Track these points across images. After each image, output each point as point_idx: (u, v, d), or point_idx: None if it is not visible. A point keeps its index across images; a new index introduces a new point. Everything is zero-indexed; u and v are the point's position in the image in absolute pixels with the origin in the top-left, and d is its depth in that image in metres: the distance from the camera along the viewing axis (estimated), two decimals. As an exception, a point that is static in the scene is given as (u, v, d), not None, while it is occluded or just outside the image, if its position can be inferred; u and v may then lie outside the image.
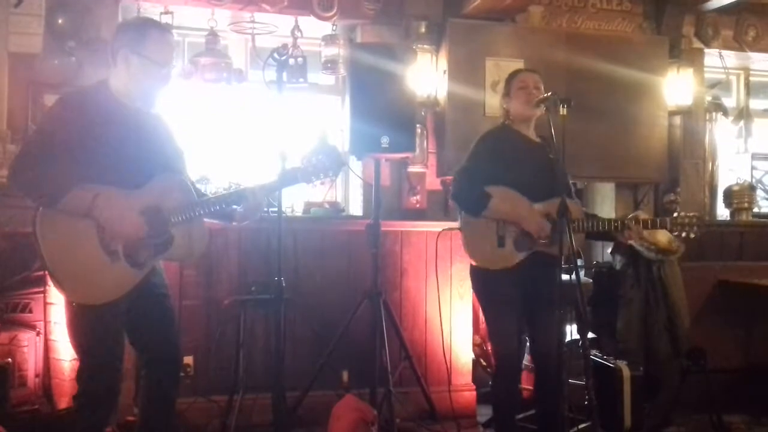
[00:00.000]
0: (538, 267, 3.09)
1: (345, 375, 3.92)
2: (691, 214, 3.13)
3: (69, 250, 2.41)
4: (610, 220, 3.18)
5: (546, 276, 2.97)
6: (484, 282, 3.28)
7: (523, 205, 3.12)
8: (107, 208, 2.41)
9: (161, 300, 2.71)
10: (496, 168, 3.14)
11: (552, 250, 3.04)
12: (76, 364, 3.37)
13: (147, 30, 2.57)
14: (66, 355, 3.43)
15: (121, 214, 2.44)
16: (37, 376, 3.41)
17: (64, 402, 3.40)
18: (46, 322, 3.45)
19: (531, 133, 3.25)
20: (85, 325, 2.50)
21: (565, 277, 2.82)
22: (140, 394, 2.77)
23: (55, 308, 3.45)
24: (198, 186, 2.90)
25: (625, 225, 3.12)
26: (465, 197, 3.20)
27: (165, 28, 2.68)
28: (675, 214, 3.17)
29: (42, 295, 3.45)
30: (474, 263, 3.25)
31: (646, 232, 4.13)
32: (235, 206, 2.69)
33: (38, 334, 3.42)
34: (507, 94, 3.29)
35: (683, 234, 3.12)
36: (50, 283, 3.41)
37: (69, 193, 2.36)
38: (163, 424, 2.74)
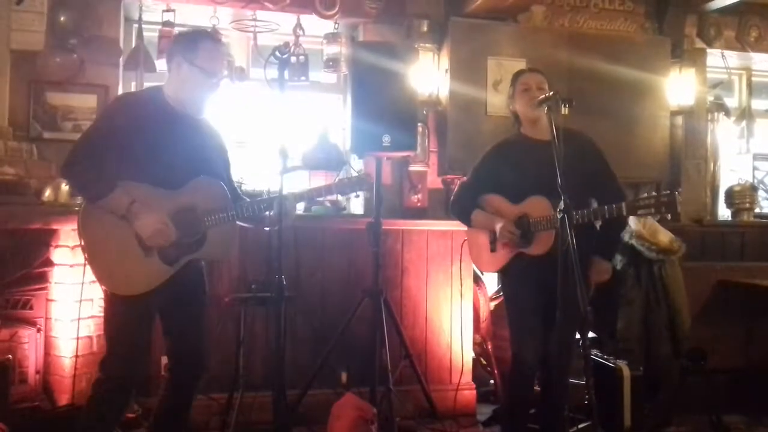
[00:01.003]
0: (537, 270, 3.06)
1: (344, 376, 3.92)
2: (655, 193, 2.86)
3: (107, 243, 2.58)
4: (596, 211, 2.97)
5: (542, 280, 2.95)
6: (502, 285, 3.45)
7: (497, 210, 3.21)
8: (140, 216, 2.55)
9: (196, 297, 2.83)
10: (497, 178, 3.22)
11: (533, 251, 3.08)
12: (78, 360, 3.42)
13: (200, 41, 2.70)
14: (66, 352, 3.43)
15: (152, 224, 2.57)
16: (37, 372, 3.41)
17: (64, 399, 3.41)
18: (46, 319, 3.45)
19: (541, 133, 3.21)
20: (115, 314, 2.63)
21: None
22: (161, 390, 2.86)
23: (55, 305, 3.46)
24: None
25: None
26: (457, 213, 3.39)
27: (218, 40, 2.80)
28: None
29: (43, 291, 3.45)
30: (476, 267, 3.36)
31: (646, 232, 4.13)
32: (267, 212, 2.82)
33: (39, 330, 3.43)
34: (512, 96, 3.30)
35: (648, 216, 2.98)
36: (50, 279, 3.45)
37: (110, 195, 2.52)
38: (179, 421, 2.85)
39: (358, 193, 3.02)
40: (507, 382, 3.42)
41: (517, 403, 3.28)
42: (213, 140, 2.84)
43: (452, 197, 3.47)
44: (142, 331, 2.67)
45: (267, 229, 2.91)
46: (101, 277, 2.59)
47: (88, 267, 2.60)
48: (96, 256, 2.57)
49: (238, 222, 2.79)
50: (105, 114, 2.64)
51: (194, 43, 2.68)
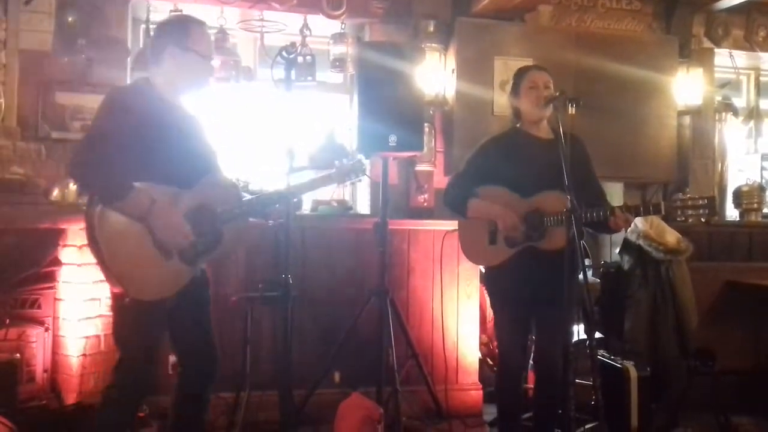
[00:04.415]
0: (539, 266, 3.06)
1: (336, 376, 3.92)
2: (697, 196, 2.86)
3: (126, 247, 2.47)
4: (597, 210, 2.96)
5: (549, 275, 2.94)
6: (488, 279, 3.40)
7: (503, 202, 3.12)
8: (161, 217, 2.48)
9: (203, 298, 2.79)
10: (496, 170, 3.15)
11: (544, 246, 3.04)
12: (86, 359, 3.44)
13: (189, 25, 2.67)
14: (74, 351, 3.45)
15: (174, 225, 2.51)
16: (45, 371, 3.43)
17: (71, 398, 3.42)
18: (54, 318, 3.47)
19: (541, 131, 3.21)
20: (131, 319, 2.55)
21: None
22: (174, 392, 2.80)
23: (63, 304, 3.47)
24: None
25: (613, 212, 2.94)
26: (450, 201, 3.28)
27: (203, 23, 2.76)
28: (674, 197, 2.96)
29: (51, 291, 3.47)
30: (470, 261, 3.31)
31: (653, 232, 4.12)
32: (276, 205, 2.79)
33: (47, 329, 3.44)
34: (515, 92, 3.23)
35: (684, 218, 2.85)
36: (58, 278, 3.47)
37: (129, 196, 2.41)
38: (194, 424, 2.79)
39: (360, 177, 2.97)
40: (496, 381, 3.39)
41: (507, 403, 3.28)
42: (204, 131, 2.79)
43: (446, 186, 3.37)
44: (157, 334, 2.63)
45: (271, 223, 2.88)
46: (123, 284, 2.46)
47: (101, 270, 2.50)
48: (115, 261, 2.44)
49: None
50: (100, 117, 2.54)
51: (184, 28, 2.65)
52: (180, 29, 2.65)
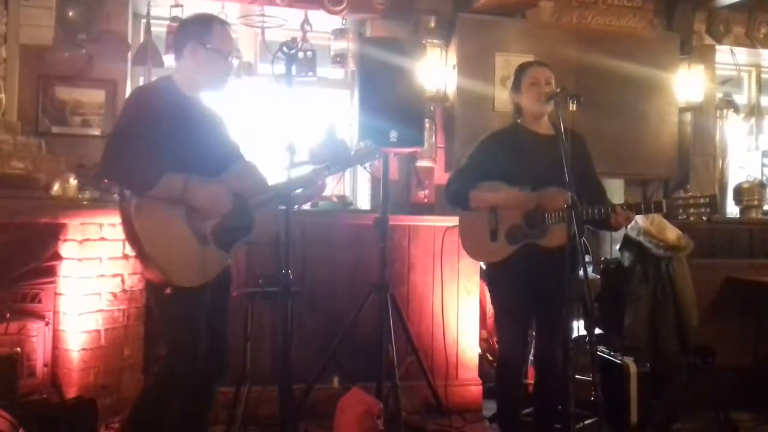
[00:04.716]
0: (540, 262, 3.06)
1: (335, 381, 3.92)
2: (698, 194, 2.92)
3: (165, 236, 2.50)
4: (599, 207, 2.99)
5: (549, 272, 2.95)
6: (489, 276, 3.40)
7: (505, 191, 3.12)
8: (199, 189, 2.51)
9: (228, 291, 2.83)
10: (496, 166, 3.16)
11: (545, 243, 3.05)
12: (86, 354, 3.44)
13: (210, 23, 2.71)
14: (74, 345, 3.45)
15: (211, 192, 2.54)
16: (45, 366, 3.43)
17: (72, 392, 3.42)
18: (55, 313, 3.46)
19: (542, 127, 3.22)
20: (177, 309, 2.57)
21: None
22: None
23: (63, 299, 3.47)
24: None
25: (614, 209, 2.96)
26: (451, 195, 3.27)
27: (225, 21, 2.83)
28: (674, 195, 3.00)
29: (51, 285, 3.46)
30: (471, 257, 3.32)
31: (653, 229, 4.12)
32: (301, 189, 2.86)
33: (47, 324, 3.44)
34: (516, 88, 3.24)
35: (686, 217, 2.88)
36: (59, 273, 3.47)
37: (162, 179, 2.44)
38: (199, 420, 2.81)
39: (371, 164, 3.25)
40: (496, 376, 3.39)
41: (507, 399, 3.29)
42: (225, 125, 2.86)
43: (447, 182, 3.38)
44: (202, 323, 2.63)
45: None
46: (163, 270, 2.46)
47: (141, 262, 2.54)
48: (155, 250, 2.45)
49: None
50: (126, 116, 2.55)
51: (207, 26, 2.68)
52: (203, 27, 2.69)
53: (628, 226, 4.07)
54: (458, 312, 4.24)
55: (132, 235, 2.48)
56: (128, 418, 2.71)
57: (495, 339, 4.21)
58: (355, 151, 3.12)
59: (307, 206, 4.32)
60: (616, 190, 5.13)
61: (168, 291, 2.51)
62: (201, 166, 2.58)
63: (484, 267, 3.75)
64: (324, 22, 4.52)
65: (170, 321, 2.61)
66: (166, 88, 2.66)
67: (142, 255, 2.49)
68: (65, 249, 3.46)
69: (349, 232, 4.14)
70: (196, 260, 2.56)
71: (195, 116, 2.66)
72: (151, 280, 2.62)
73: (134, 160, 2.43)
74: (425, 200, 4.54)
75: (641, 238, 4.13)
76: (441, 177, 4.57)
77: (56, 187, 3.60)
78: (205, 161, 2.60)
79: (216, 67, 2.69)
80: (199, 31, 2.67)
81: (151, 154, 2.44)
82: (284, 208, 2.78)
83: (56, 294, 3.48)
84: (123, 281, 3.60)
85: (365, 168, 4.13)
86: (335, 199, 4.38)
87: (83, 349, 3.45)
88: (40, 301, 3.44)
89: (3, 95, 3.80)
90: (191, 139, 2.59)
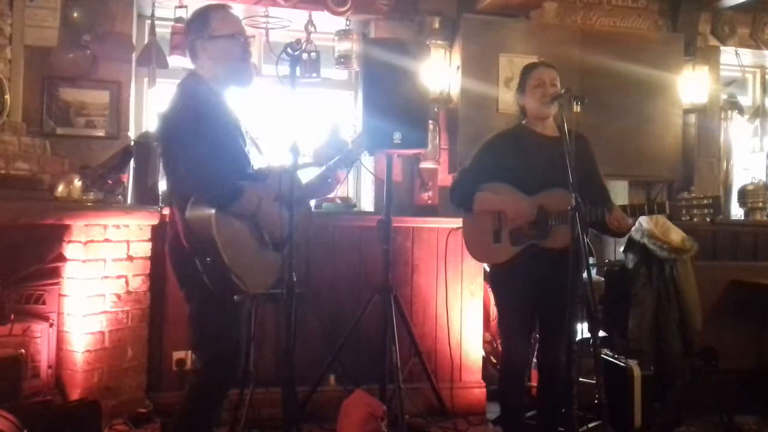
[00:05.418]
0: (543, 264, 3.06)
1: (332, 379, 3.94)
2: (702, 195, 2.94)
3: (239, 246, 2.56)
4: (597, 209, 2.99)
5: (553, 274, 2.94)
6: (492, 277, 3.40)
7: (510, 196, 3.13)
8: (268, 213, 2.60)
9: None
10: (501, 167, 3.16)
11: (549, 244, 3.04)
12: (90, 355, 3.44)
13: (207, 13, 2.68)
14: (78, 346, 3.45)
15: (277, 217, 2.57)
16: (49, 367, 3.43)
17: (76, 393, 3.42)
18: (59, 314, 3.47)
19: (547, 129, 3.21)
20: (228, 315, 2.61)
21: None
22: (188, 391, 2.75)
23: (68, 300, 3.48)
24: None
25: (610, 209, 2.97)
26: (456, 197, 3.29)
27: (222, 5, 2.78)
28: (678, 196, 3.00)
29: (55, 286, 3.47)
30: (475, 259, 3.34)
31: (658, 231, 4.11)
32: (328, 180, 2.92)
33: (51, 325, 3.44)
34: (521, 89, 3.24)
35: (689, 218, 2.90)
36: (63, 274, 3.47)
37: (243, 196, 2.52)
38: (204, 425, 2.77)
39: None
40: (500, 379, 3.39)
41: (511, 402, 3.29)
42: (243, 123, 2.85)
43: (452, 183, 3.40)
44: (242, 327, 2.70)
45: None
46: (244, 280, 2.51)
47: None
48: (234, 262, 2.49)
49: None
50: (186, 123, 2.51)
51: (205, 18, 2.66)
52: (200, 21, 2.67)
53: (633, 228, 4.06)
54: (462, 314, 4.24)
55: (208, 246, 2.46)
56: (179, 418, 2.69)
57: (499, 341, 4.21)
58: (352, 141, 3.17)
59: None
60: (620, 192, 5.12)
61: (236, 298, 2.56)
62: (240, 166, 2.64)
63: (487, 269, 3.75)
64: (328, 23, 4.52)
65: (221, 326, 2.61)
66: (205, 91, 2.64)
67: (221, 264, 2.47)
68: (69, 250, 3.47)
69: (353, 234, 4.14)
70: (262, 266, 2.63)
71: (226, 114, 2.68)
72: (209, 286, 2.54)
73: (216, 173, 2.46)
74: (429, 202, 4.54)
75: (645, 240, 4.13)
76: (444, 178, 4.56)
77: (61, 189, 3.60)
78: (242, 161, 2.66)
79: (230, 52, 2.66)
80: (200, 26, 2.66)
81: (220, 165, 2.47)
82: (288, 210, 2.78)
83: (60, 295, 3.48)
84: (127, 283, 3.61)
85: (369, 170, 4.14)
86: (339, 201, 4.38)
87: (87, 350, 3.46)
88: (44, 303, 3.44)
89: (8, 96, 3.80)
90: (232, 139, 2.64)
